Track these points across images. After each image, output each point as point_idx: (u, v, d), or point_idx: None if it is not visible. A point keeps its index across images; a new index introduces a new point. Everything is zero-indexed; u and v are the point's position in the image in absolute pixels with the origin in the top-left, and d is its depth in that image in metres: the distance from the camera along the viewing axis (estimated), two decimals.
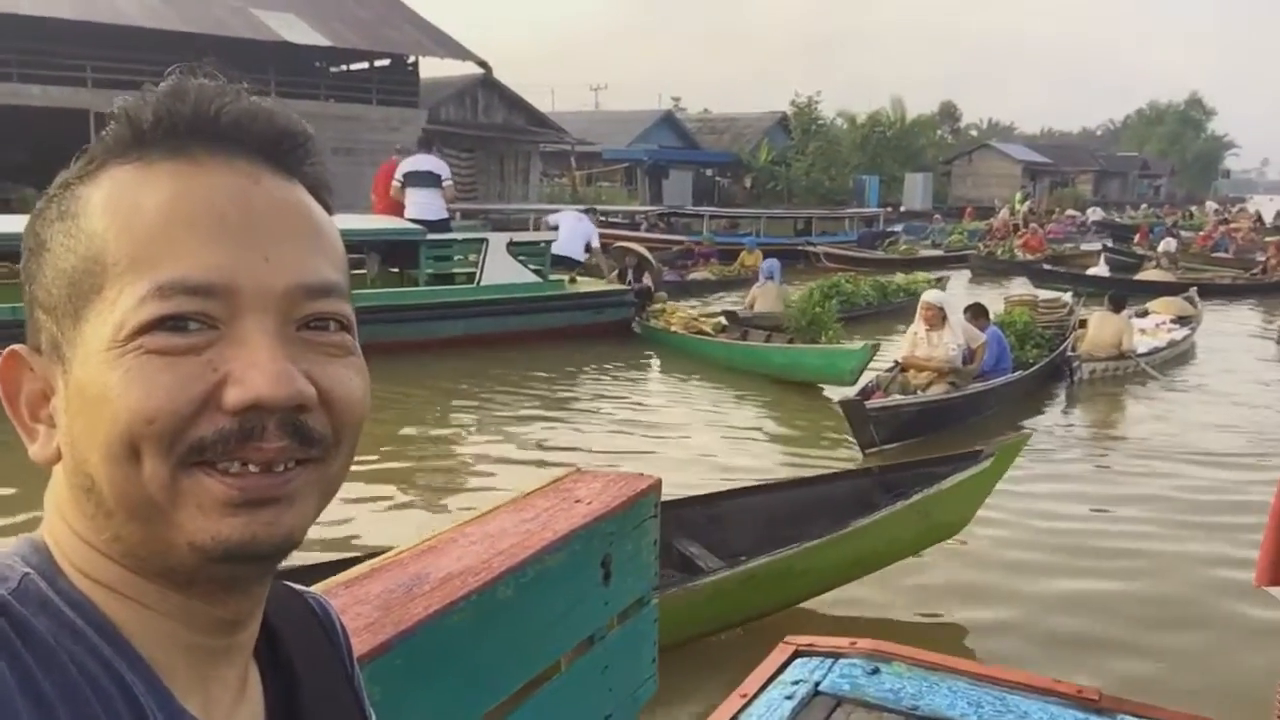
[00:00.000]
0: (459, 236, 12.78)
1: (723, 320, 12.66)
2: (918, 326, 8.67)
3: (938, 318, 8.51)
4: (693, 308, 13.89)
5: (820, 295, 12.09)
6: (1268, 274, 21.16)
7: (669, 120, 44.89)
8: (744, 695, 2.49)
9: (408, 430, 8.51)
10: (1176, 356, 12.08)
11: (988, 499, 5.25)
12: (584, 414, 9.19)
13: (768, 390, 10.10)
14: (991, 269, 22.46)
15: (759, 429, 8.88)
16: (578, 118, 42.62)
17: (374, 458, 7.44)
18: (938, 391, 8.33)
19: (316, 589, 1.30)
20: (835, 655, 2.66)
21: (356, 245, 11.91)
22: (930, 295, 8.79)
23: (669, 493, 5.46)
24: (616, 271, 14.54)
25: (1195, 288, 15.63)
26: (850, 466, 7.00)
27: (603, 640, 1.64)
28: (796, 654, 2.67)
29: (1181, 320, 13.21)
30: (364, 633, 1.16)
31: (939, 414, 8.19)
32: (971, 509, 5.12)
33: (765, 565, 4.50)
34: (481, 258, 12.12)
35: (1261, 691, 3.36)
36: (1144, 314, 13.58)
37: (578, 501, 1.59)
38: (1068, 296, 12.96)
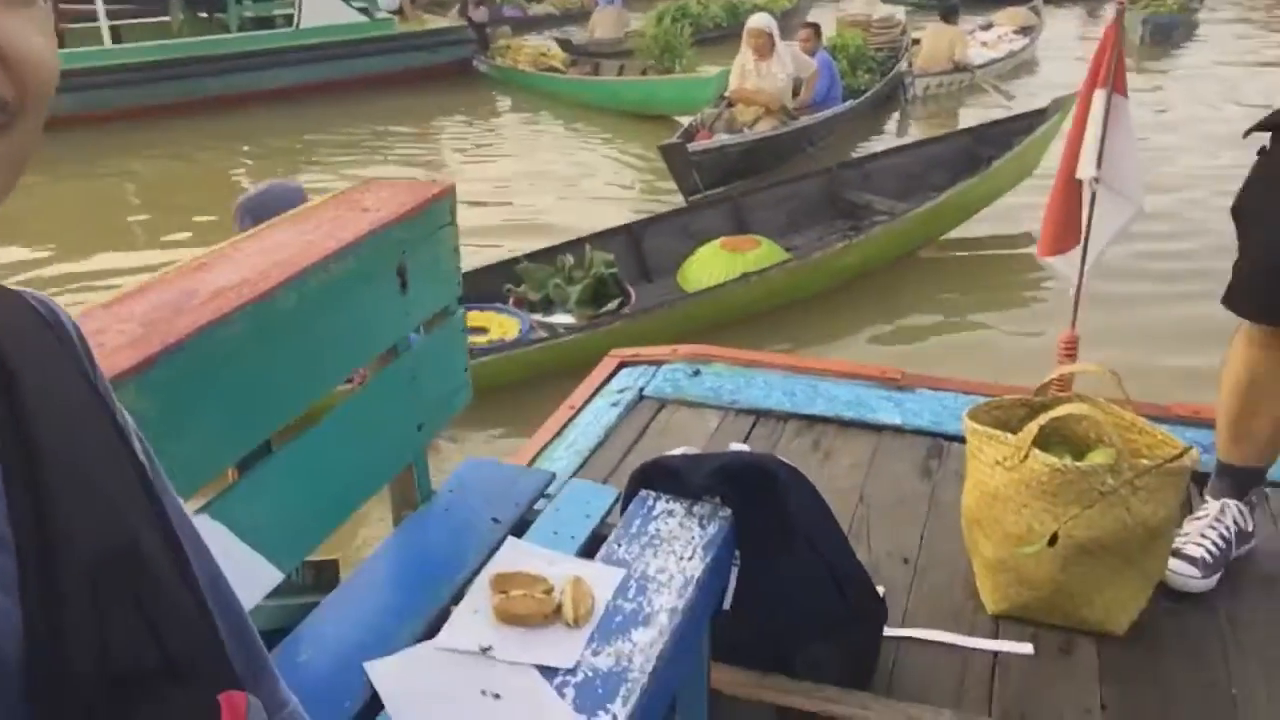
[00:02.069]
0: None
1: (570, 56, 12.07)
2: (745, 57, 7.95)
3: (766, 46, 7.77)
4: (540, 44, 13.10)
5: (669, 20, 11.62)
6: None
7: None
8: (571, 406, 2.59)
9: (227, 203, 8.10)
10: (1016, 68, 12.15)
11: None
12: (430, 168, 8.86)
13: (622, 128, 9.82)
14: None
15: (614, 173, 8.64)
16: None
17: (185, 235, 7.00)
18: (766, 128, 7.78)
19: (73, 312, 1.25)
20: (659, 363, 2.77)
21: None
22: (758, 20, 8.02)
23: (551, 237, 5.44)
24: (459, 5, 13.62)
25: None
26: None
27: (408, 350, 1.64)
28: (622, 364, 2.77)
29: (1024, 31, 13.14)
30: (126, 350, 1.12)
31: (766, 151, 7.72)
32: (1041, 154, 6.52)
33: (931, 206, 5.98)
34: None
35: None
36: (988, 27, 13.55)
37: (365, 210, 1.53)
38: (901, 14, 12.57)
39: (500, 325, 5.00)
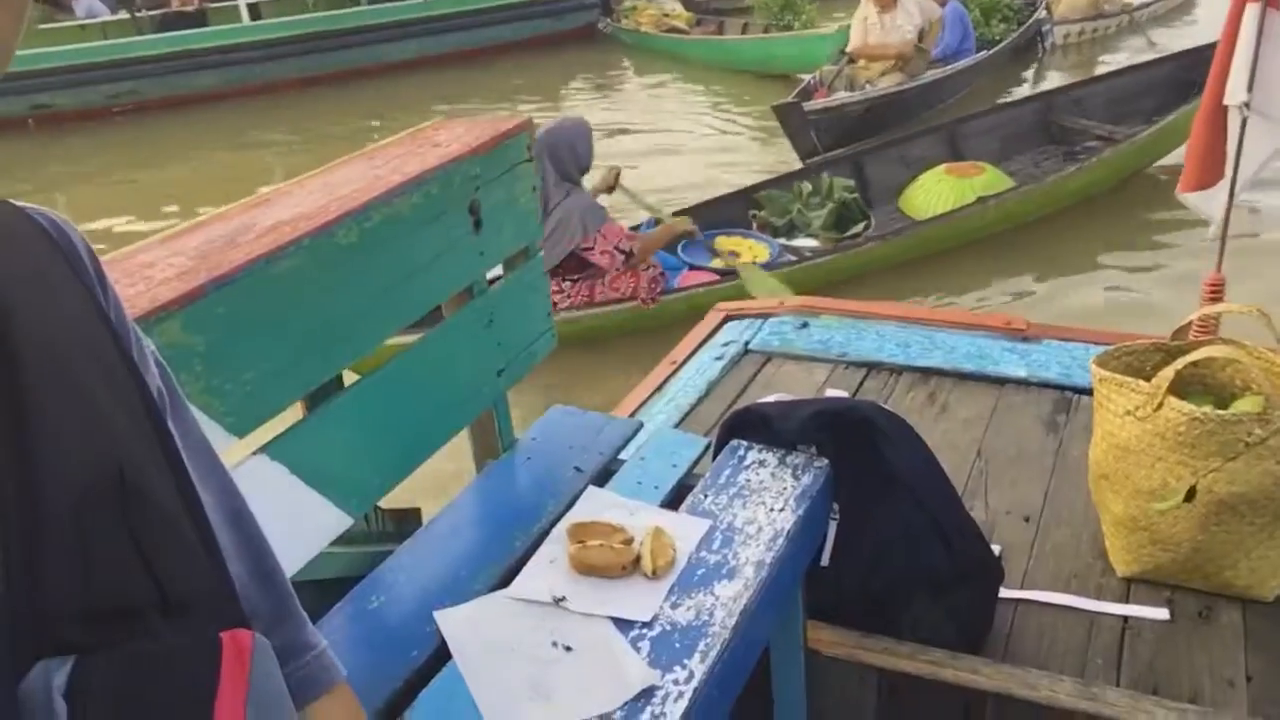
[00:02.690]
0: None
1: (696, 15, 11.77)
2: (866, 9, 7.41)
3: None
4: (664, 4, 13.03)
5: None
6: None
7: None
8: (673, 361, 2.51)
9: None
10: (1170, 10, 11.22)
11: None
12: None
13: (748, 87, 9.57)
14: None
15: (737, 135, 8.40)
16: None
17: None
18: (890, 84, 7.26)
19: (134, 247, 1.24)
20: (766, 315, 2.65)
21: None
22: None
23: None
24: None
25: None
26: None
27: (484, 293, 1.59)
28: (727, 318, 2.67)
29: None
30: (173, 282, 1.10)
31: (889, 109, 7.22)
32: None
33: (1153, 131, 5.75)
34: None
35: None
36: None
37: (436, 145, 1.48)
38: None
39: (751, 249, 5.13)
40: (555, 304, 4.39)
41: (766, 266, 4.80)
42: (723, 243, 5.07)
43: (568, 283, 4.55)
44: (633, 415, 2.25)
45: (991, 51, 8.55)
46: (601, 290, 4.55)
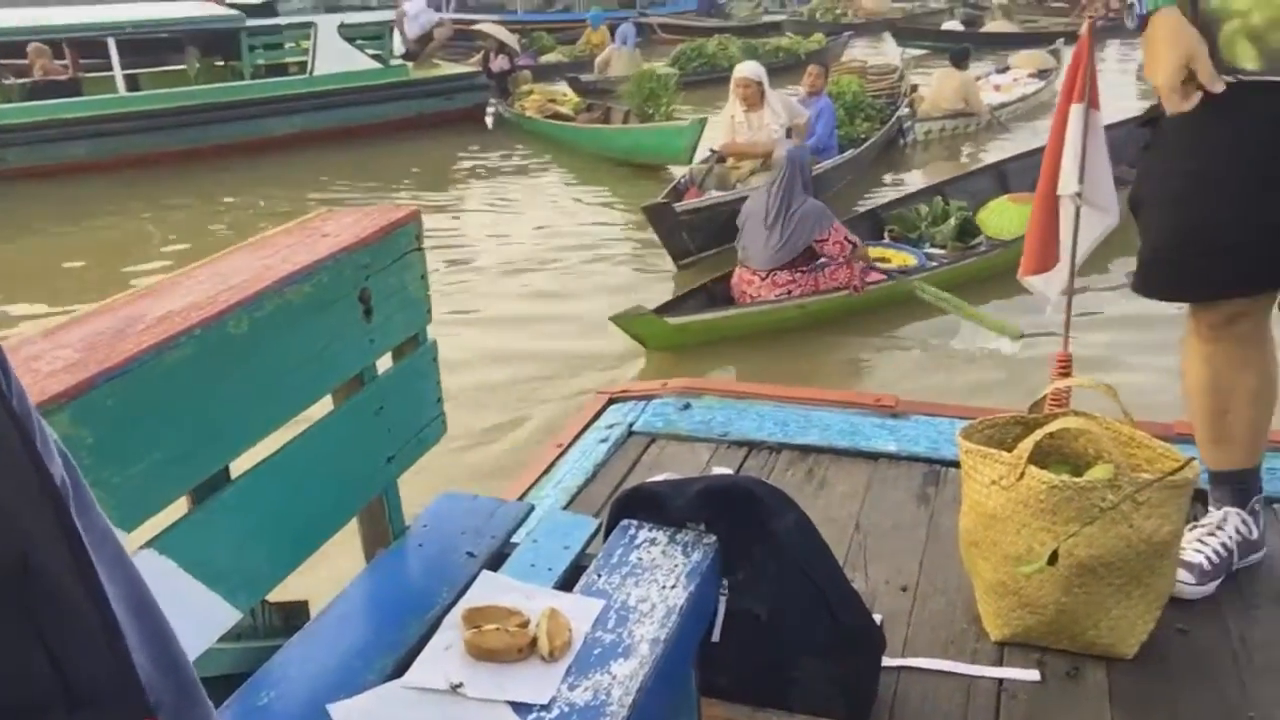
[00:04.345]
0: (283, 21, 11.82)
1: (585, 101, 11.94)
2: (734, 108, 7.48)
3: (756, 95, 7.34)
4: (554, 90, 13.07)
5: (671, 63, 11.66)
6: (1085, 10, 21.32)
7: None
8: (559, 445, 2.53)
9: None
10: (1032, 109, 11.97)
11: None
12: (434, 212, 8.87)
13: (623, 177, 9.70)
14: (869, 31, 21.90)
15: (609, 226, 8.38)
16: None
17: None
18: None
19: (15, 339, 1.21)
20: (649, 397, 2.72)
21: (173, 37, 10.93)
22: (745, 69, 7.54)
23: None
24: (480, 55, 13.62)
25: (1062, 38, 14.84)
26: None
27: (374, 380, 1.59)
28: (611, 401, 2.72)
29: (1042, 74, 12.92)
30: (61, 374, 1.07)
31: None
32: None
33: None
34: (312, 44, 11.23)
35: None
36: (1004, 70, 13.51)
37: (325, 235, 1.50)
38: (898, 60, 12.49)
39: (898, 257, 6.36)
40: (790, 291, 5.61)
41: (916, 270, 6.06)
42: (873, 252, 6.22)
43: (799, 273, 5.62)
44: (521, 498, 2.26)
45: (859, 150, 8.87)
46: (824, 280, 5.63)
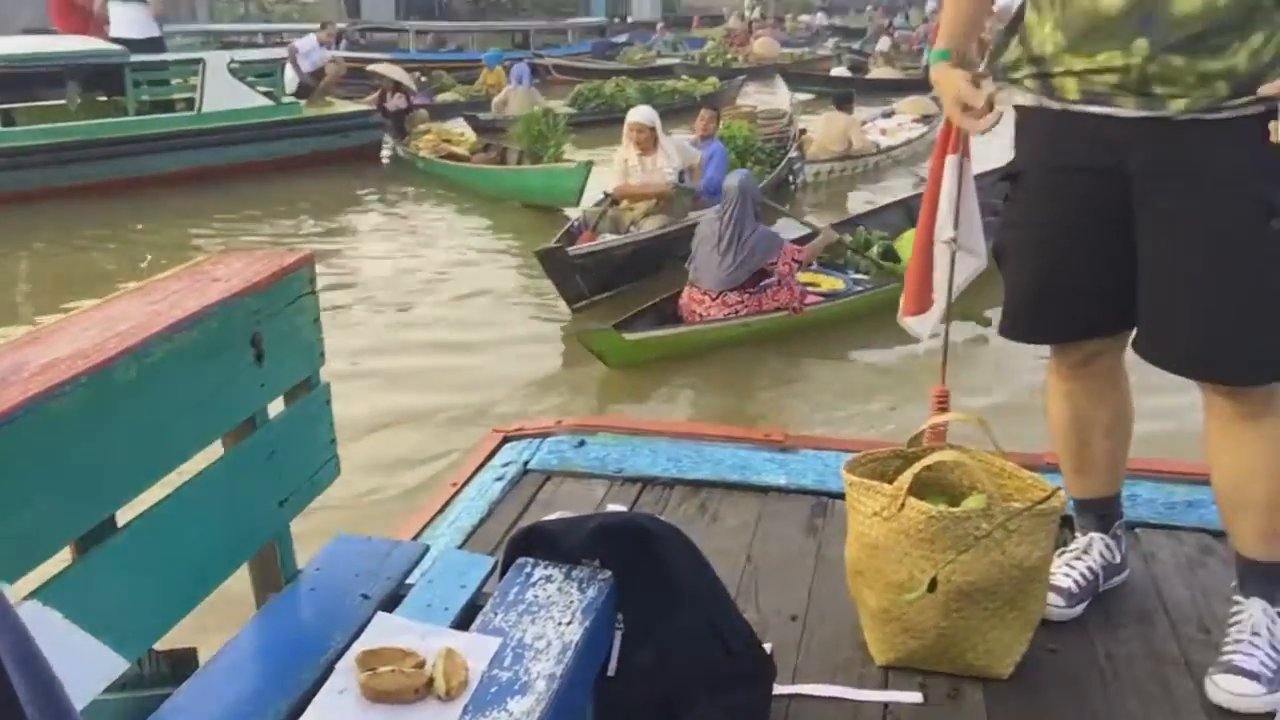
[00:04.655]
0: (170, 57, 11.58)
1: (482, 141, 11.87)
2: (627, 151, 7.56)
3: (649, 140, 7.43)
4: (449, 129, 13.01)
5: (569, 103, 11.70)
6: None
7: None
8: (454, 484, 2.54)
9: (125, 285, 7.88)
10: (913, 154, 12.36)
11: None
12: (325, 253, 8.75)
13: (515, 218, 9.69)
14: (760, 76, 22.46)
15: (500, 267, 8.31)
16: None
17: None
18: (655, 225, 7.38)
19: None
20: (543, 435, 2.75)
21: (54, 71, 10.58)
22: (638, 114, 7.64)
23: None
24: (376, 94, 13.47)
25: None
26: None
27: (266, 424, 1.59)
28: (505, 439, 2.74)
29: (925, 119, 13.36)
30: None
31: (655, 251, 7.28)
32: None
33: None
34: (200, 81, 11.01)
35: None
36: (890, 114, 13.99)
37: (215, 280, 1.50)
38: (787, 105, 12.89)
39: (827, 282, 6.86)
40: (737, 311, 6.14)
41: (844, 294, 6.63)
42: (803, 277, 6.58)
43: (746, 294, 6.13)
44: (416, 538, 2.26)
45: None
46: (767, 301, 6.15)
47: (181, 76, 11.32)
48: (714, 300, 6.08)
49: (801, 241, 6.78)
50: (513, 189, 10.23)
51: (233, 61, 11.51)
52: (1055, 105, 1.86)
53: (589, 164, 9.35)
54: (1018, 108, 1.97)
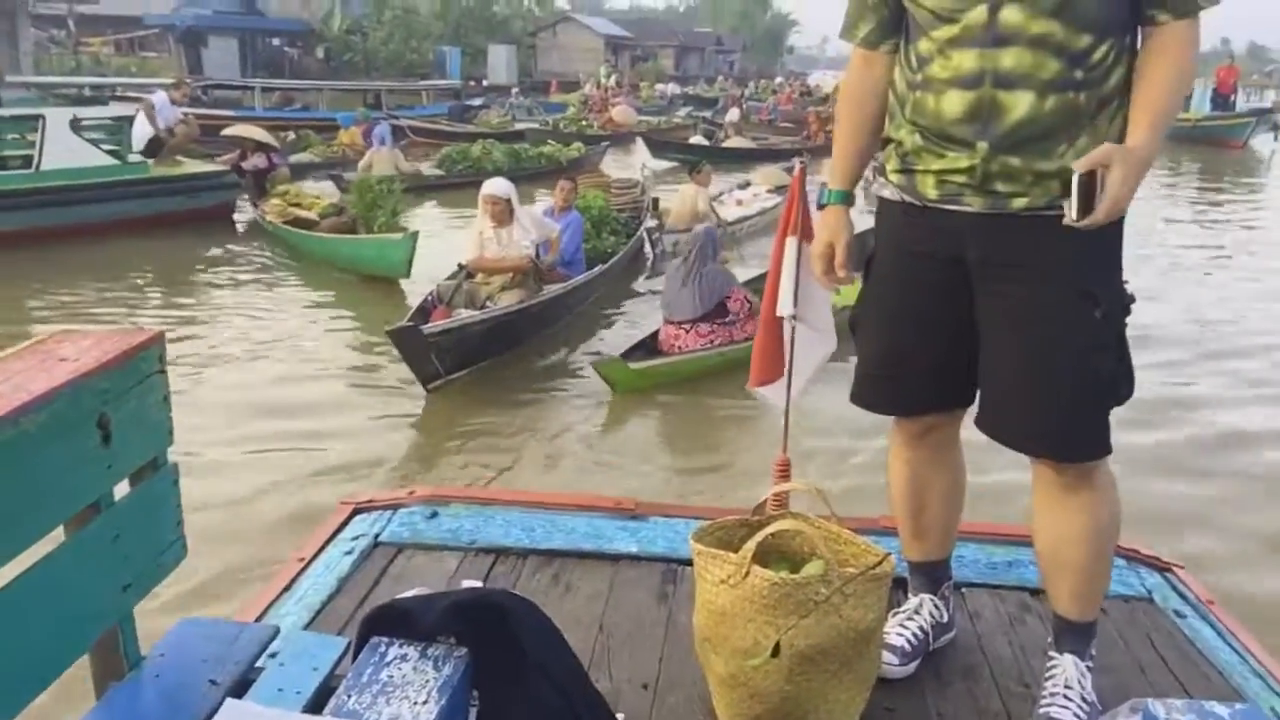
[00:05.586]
0: (5, 113, 11.08)
1: (335, 205, 11.50)
2: (483, 224, 7.43)
3: (505, 212, 7.33)
4: (303, 191, 12.61)
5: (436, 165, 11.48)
6: (811, 139, 23.63)
7: None
8: (301, 559, 2.50)
9: None
10: (768, 224, 12.56)
11: None
12: (174, 322, 8.42)
13: (368, 287, 9.53)
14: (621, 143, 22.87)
15: (341, 348, 8.03)
16: None
17: None
18: (512, 299, 7.23)
19: None
20: (395, 507, 2.74)
21: None
22: (494, 186, 7.44)
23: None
24: (236, 153, 13.03)
25: (798, 156, 16.22)
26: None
27: (111, 507, 1.56)
28: (356, 511, 2.72)
29: (779, 190, 13.69)
30: None
31: (513, 326, 7.16)
32: None
33: None
34: (39, 138, 10.56)
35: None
36: (745, 185, 14.46)
37: (62, 360, 1.47)
38: (640, 174, 13.08)
39: None
40: (712, 341, 7.03)
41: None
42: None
43: (717, 325, 7.04)
44: (262, 616, 2.21)
45: (608, 264, 9.09)
46: (737, 332, 7.01)
47: (19, 133, 10.83)
48: (688, 332, 7.01)
49: (752, 284, 7.31)
50: (347, 258, 9.97)
51: (76, 119, 11.07)
52: (917, 202, 2.03)
53: (415, 234, 9.27)
54: (880, 199, 2.14)
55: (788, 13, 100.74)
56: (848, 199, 2.16)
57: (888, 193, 2.10)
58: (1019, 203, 1.90)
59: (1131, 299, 1.92)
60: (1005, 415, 2.01)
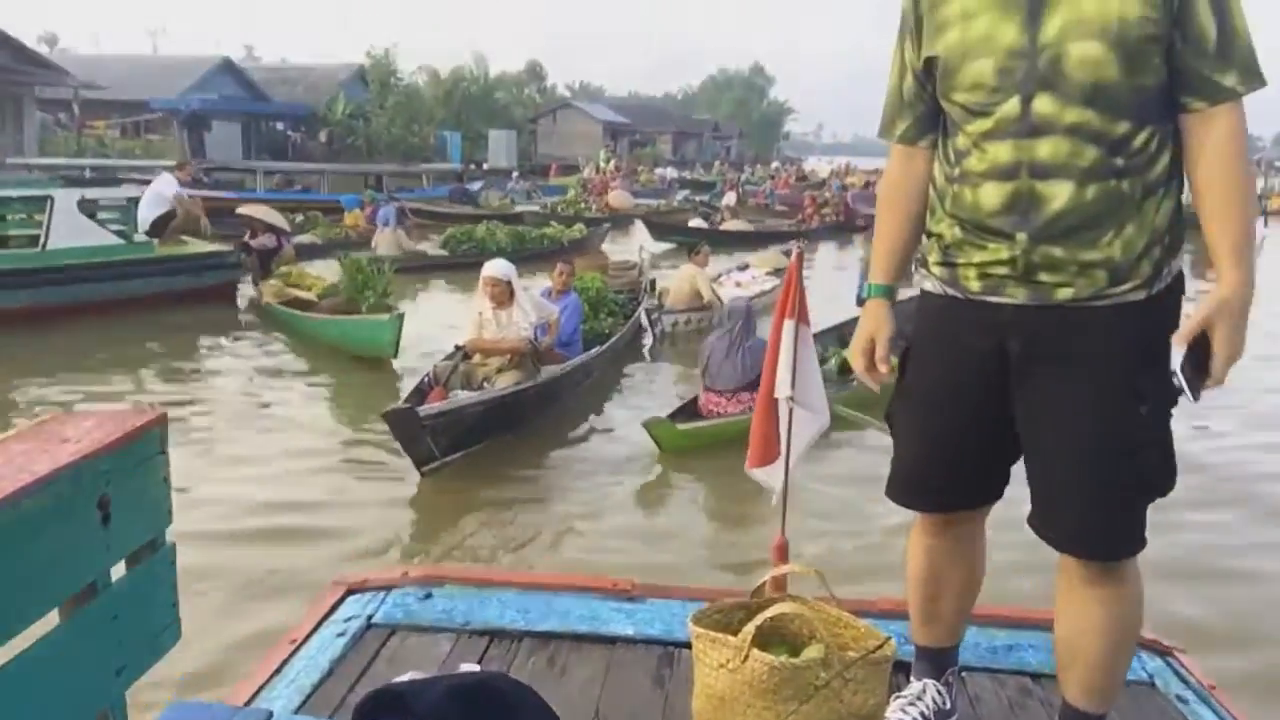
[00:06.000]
0: (13, 193, 11.26)
1: (334, 285, 11.42)
2: (482, 304, 7.37)
3: (505, 294, 7.24)
4: (311, 274, 12.65)
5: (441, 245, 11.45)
6: (806, 222, 24.06)
7: (229, 68, 41.14)
8: (293, 640, 2.48)
9: None
10: (767, 305, 12.70)
11: None
12: (174, 401, 8.41)
13: (357, 368, 9.55)
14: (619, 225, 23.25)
15: (340, 429, 7.97)
16: (120, 63, 38.56)
17: None
18: (510, 381, 7.14)
19: None
20: (388, 587, 2.72)
21: None
22: (494, 267, 7.38)
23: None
24: (246, 231, 13.13)
25: (795, 240, 16.41)
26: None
27: (108, 588, 1.56)
28: (349, 592, 2.70)
29: (777, 272, 13.77)
30: None
31: (510, 408, 7.06)
32: None
33: None
34: (47, 218, 10.72)
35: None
36: (744, 268, 14.62)
37: (64, 441, 1.49)
38: (638, 256, 13.23)
39: None
40: (749, 407, 6.19)
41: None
42: None
43: (754, 393, 7.30)
44: (251, 700, 2.18)
45: (605, 345, 9.10)
46: None
47: (26, 213, 10.99)
48: (729, 399, 7.37)
49: None
50: (338, 339, 10.03)
51: (84, 199, 11.26)
52: (960, 295, 2.00)
53: (401, 315, 9.37)
54: (923, 291, 2.12)
55: (784, 100, 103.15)
56: (889, 294, 2.15)
57: (930, 285, 2.08)
58: (1063, 293, 1.86)
59: (1180, 390, 1.80)
60: (1051, 517, 1.97)
